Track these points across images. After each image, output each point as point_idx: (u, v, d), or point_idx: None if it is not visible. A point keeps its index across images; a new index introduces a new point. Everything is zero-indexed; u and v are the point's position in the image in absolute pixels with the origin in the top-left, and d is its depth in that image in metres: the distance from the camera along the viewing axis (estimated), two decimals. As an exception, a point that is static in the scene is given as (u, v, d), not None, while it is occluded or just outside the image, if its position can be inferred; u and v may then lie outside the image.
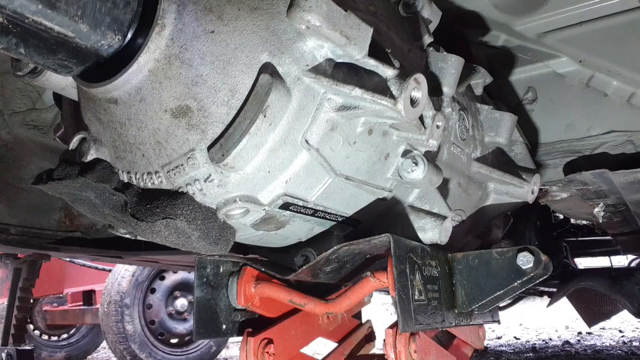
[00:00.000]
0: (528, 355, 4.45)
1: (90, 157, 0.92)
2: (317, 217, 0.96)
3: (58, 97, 1.01)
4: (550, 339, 5.45)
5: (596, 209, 1.69)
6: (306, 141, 0.83)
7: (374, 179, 0.97)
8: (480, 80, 1.42)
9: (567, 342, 5.08)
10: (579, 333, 5.67)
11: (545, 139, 1.52)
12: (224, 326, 1.19)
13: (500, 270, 1.06)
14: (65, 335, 5.94)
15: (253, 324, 1.26)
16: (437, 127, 0.96)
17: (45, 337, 5.85)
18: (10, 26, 0.70)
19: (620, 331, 5.48)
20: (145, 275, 4.65)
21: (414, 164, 0.97)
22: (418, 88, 0.83)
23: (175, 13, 0.80)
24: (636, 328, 5.58)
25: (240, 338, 1.15)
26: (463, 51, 1.54)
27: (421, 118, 0.91)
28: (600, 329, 5.64)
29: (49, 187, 0.93)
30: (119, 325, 4.45)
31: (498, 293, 1.07)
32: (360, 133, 0.89)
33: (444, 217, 1.05)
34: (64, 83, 0.93)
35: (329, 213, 0.96)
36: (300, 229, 0.98)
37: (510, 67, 1.52)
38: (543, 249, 1.13)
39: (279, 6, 0.81)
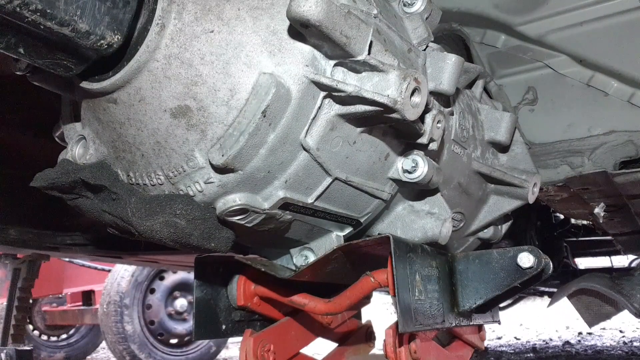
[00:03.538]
0: (528, 355, 4.45)
1: (89, 157, 0.92)
2: (317, 217, 0.96)
3: (57, 97, 1.01)
4: (551, 339, 5.45)
5: (596, 209, 1.69)
6: (306, 141, 0.83)
7: (373, 179, 0.96)
8: (480, 80, 1.42)
9: (567, 342, 5.08)
10: (580, 333, 5.67)
11: (545, 139, 1.51)
12: (224, 326, 1.19)
13: (501, 270, 1.06)
14: (64, 336, 5.94)
15: (253, 324, 1.26)
16: (437, 127, 0.96)
17: (44, 337, 5.85)
18: (9, 26, 0.70)
19: (620, 331, 5.48)
20: (145, 275, 4.66)
21: (414, 164, 0.97)
22: (418, 88, 0.83)
23: (175, 13, 0.80)
24: (637, 328, 5.58)
25: (240, 338, 1.14)
26: (463, 51, 1.54)
27: (421, 118, 0.91)
28: (601, 329, 5.65)
29: (47, 187, 0.92)
30: (118, 325, 4.45)
31: (498, 293, 1.07)
32: (360, 133, 0.89)
33: (444, 218, 1.05)
34: (63, 83, 0.93)
35: (328, 213, 0.96)
36: (300, 229, 0.98)
37: (510, 67, 1.52)
38: (543, 249, 1.13)
39: (279, 6, 0.81)
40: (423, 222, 1.05)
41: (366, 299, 1.39)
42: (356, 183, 0.93)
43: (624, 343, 4.76)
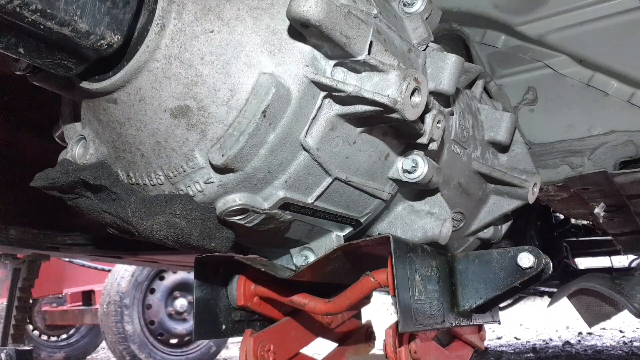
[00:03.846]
0: (528, 355, 4.45)
1: (89, 157, 0.92)
2: (317, 217, 0.96)
3: (57, 97, 1.01)
4: (551, 339, 5.45)
5: (596, 209, 1.69)
6: (306, 141, 0.83)
7: (373, 179, 0.96)
8: (480, 80, 1.42)
9: (567, 342, 5.08)
10: (580, 333, 5.67)
11: (545, 139, 1.51)
12: (224, 326, 1.19)
13: (501, 270, 1.06)
14: (64, 336, 5.94)
15: (253, 324, 1.26)
16: (437, 127, 0.96)
17: (44, 337, 5.85)
18: (9, 26, 0.70)
19: (620, 331, 5.48)
20: (145, 275, 4.65)
21: (414, 164, 0.97)
22: (418, 88, 0.83)
23: (175, 13, 0.80)
24: (637, 328, 5.58)
25: (240, 338, 1.14)
26: (463, 51, 1.54)
27: (421, 118, 0.91)
28: (601, 329, 5.65)
29: (47, 187, 0.92)
30: (118, 325, 4.45)
31: (498, 293, 1.07)
32: (359, 133, 0.89)
33: (444, 218, 1.05)
34: (63, 83, 0.93)
35: (328, 213, 0.96)
36: (300, 229, 0.98)
37: (510, 67, 1.52)
38: (543, 249, 1.13)
39: (279, 6, 0.81)
40: (423, 222, 1.05)
41: (366, 299, 1.39)
42: (356, 183, 0.93)
43: (624, 343, 4.76)
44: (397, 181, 1.00)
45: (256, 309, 1.21)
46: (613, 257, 3.58)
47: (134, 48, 0.80)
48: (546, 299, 3.51)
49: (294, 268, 1.06)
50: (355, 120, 0.86)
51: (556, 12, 1.37)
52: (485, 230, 1.42)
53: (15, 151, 1.72)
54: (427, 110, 0.90)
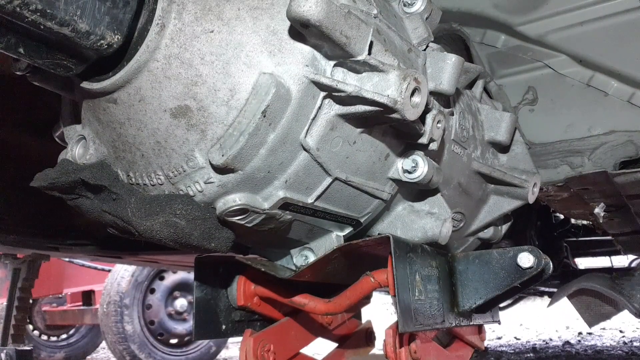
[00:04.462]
0: (528, 355, 4.45)
1: (89, 157, 0.92)
2: (317, 217, 0.96)
3: (57, 97, 1.01)
4: (551, 339, 5.45)
5: (596, 209, 1.69)
6: (306, 141, 0.83)
7: (373, 179, 0.97)
8: (480, 80, 1.42)
9: (567, 342, 5.08)
10: (580, 333, 5.67)
11: (545, 139, 1.51)
12: (224, 326, 1.19)
13: (501, 270, 1.06)
14: (64, 336, 5.94)
15: (253, 324, 1.26)
16: (438, 127, 0.96)
17: (44, 337, 5.85)
18: (9, 26, 0.70)
19: (620, 331, 5.48)
20: (145, 275, 4.65)
21: (414, 164, 0.97)
22: (418, 88, 0.83)
23: (175, 13, 0.80)
24: (637, 328, 5.58)
25: (240, 338, 1.14)
26: (463, 51, 1.54)
27: (421, 118, 0.91)
28: (601, 329, 5.65)
29: (47, 187, 0.92)
30: (118, 325, 4.45)
31: (498, 293, 1.07)
32: (359, 133, 0.89)
33: (444, 218, 1.05)
34: (63, 83, 0.93)
35: (328, 213, 0.96)
36: (300, 229, 0.98)
37: (510, 67, 1.52)
38: (543, 249, 1.13)
39: (279, 6, 0.81)
40: (423, 222, 1.05)
41: (366, 299, 1.39)
42: (356, 183, 0.93)
43: (624, 343, 4.76)
44: (397, 181, 1.00)
45: (256, 309, 1.21)
46: (613, 257, 3.58)
47: (134, 48, 0.80)
48: (546, 299, 3.51)
49: (294, 268, 1.06)
50: (355, 120, 0.86)
51: (556, 12, 1.37)
52: (485, 231, 1.42)
53: (16, 151, 1.72)
54: (427, 110, 0.90)
